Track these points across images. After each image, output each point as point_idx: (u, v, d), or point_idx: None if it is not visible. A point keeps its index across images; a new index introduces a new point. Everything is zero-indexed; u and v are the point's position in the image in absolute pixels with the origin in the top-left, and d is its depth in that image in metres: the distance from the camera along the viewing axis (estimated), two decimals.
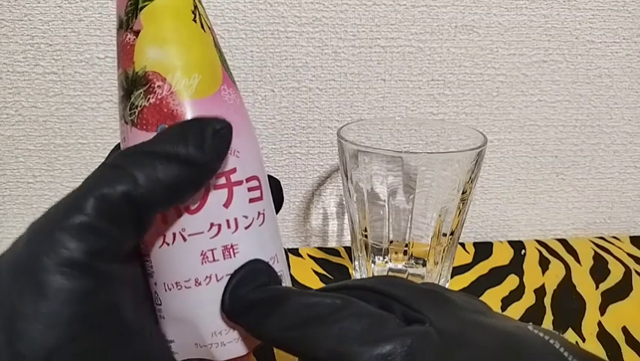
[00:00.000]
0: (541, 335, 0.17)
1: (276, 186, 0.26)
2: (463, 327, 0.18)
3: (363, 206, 0.35)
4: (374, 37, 0.41)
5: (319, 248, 0.46)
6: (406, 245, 0.35)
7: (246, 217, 0.22)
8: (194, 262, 0.21)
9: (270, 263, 0.23)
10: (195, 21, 0.23)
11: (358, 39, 0.41)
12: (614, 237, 0.49)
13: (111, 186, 0.18)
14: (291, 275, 0.40)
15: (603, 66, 0.44)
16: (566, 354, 0.16)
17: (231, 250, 0.22)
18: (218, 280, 0.21)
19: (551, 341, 0.17)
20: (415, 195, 0.33)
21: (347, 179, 0.35)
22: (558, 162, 0.46)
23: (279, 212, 0.27)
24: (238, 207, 0.22)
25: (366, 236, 0.36)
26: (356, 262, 0.38)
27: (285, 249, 0.25)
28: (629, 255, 0.45)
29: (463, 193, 0.33)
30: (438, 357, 0.16)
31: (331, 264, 0.42)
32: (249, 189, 0.23)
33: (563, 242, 0.47)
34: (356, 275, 0.38)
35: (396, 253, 0.35)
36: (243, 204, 0.22)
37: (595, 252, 0.45)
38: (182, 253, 0.21)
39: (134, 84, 0.22)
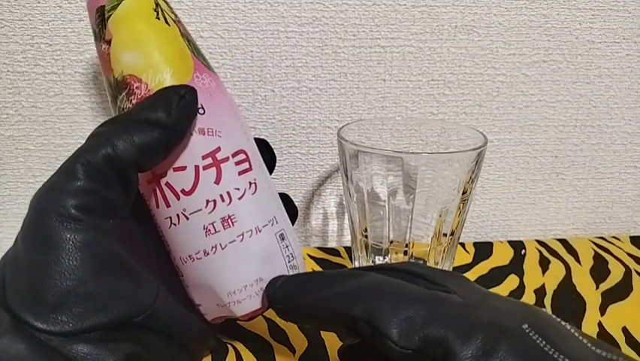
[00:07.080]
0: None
1: (264, 146, 0.29)
2: (484, 297, 0.20)
3: (363, 206, 0.35)
4: (374, 37, 0.41)
5: (319, 248, 0.46)
6: (407, 245, 0.35)
7: (238, 189, 0.24)
8: (199, 236, 0.24)
9: (269, 225, 0.25)
10: (159, 18, 0.24)
11: (358, 39, 0.41)
12: (614, 237, 0.49)
13: (94, 152, 0.20)
14: None
15: (603, 66, 0.44)
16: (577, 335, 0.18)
17: (229, 221, 0.24)
18: (223, 248, 0.24)
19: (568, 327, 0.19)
20: (415, 195, 0.33)
21: (347, 179, 0.35)
22: (558, 162, 0.46)
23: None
24: (228, 181, 0.24)
25: (366, 236, 0.36)
26: (356, 262, 0.38)
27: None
28: (629, 255, 0.45)
29: (463, 193, 0.33)
30: (462, 312, 0.18)
31: (331, 264, 0.42)
32: (237, 163, 0.25)
33: (563, 242, 0.47)
34: None
35: (396, 253, 0.35)
36: (232, 178, 0.24)
37: (595, 252, 0.45)
38: (188, 230, 0.24)
39: (117, 89, 0.24)
